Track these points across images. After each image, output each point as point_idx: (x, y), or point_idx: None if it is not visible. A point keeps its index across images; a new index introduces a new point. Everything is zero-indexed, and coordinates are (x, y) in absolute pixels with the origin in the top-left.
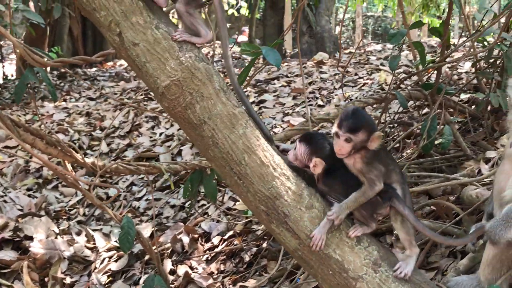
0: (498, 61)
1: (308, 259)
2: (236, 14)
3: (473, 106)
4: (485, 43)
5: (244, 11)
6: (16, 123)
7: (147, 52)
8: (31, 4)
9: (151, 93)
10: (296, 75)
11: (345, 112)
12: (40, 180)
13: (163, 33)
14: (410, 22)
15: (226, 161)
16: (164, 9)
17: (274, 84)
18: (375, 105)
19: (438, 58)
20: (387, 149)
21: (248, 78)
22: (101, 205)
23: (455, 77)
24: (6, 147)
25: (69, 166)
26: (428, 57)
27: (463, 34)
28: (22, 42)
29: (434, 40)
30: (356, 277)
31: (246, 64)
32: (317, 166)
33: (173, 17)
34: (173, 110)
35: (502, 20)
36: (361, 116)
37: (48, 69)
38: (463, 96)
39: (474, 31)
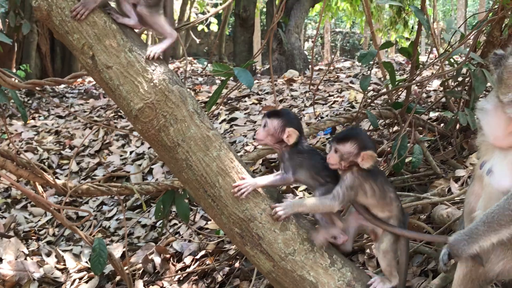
0: (466, 80)
1: (282, 281)
2: (206, 29)
3: (442, 125)
4: (452, 60)
5: (215, 27)
6: None
7: (120, 75)
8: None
9: (121, 111)
10: (267, 93)
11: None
12: (9, 200)
13: (136, 56)
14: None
15: (200, 184)
16: (137, 31)
17: (245, 101)
18: (345, 124)
19: (407, 78)
20: (387, 179)
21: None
22: (72, 227)
23: (424, 95)
24: None
25: (39, 187)
26: (399, 76)
27: (431, 52)
28: None
29: (402, 57)
30: None
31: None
32: (291, 136)
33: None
34: (147, 132)
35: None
36: (353, 131)
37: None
38: (432, 115)
39: (442, 50)
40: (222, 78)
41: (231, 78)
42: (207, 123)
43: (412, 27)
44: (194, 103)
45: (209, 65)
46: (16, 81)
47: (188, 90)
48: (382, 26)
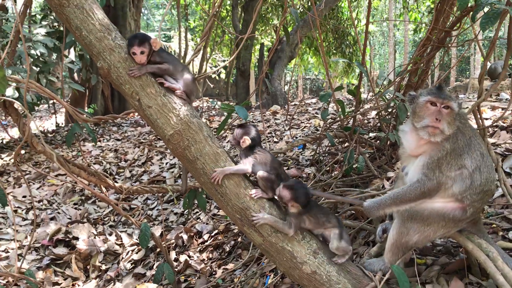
0: (393, 111)
1: (269, 250)
2: (217, 78)
3: (378, 141)
4: (385, 97)
5: (223, 76)
6: (67, 160)
7: (157, 112)
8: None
9: (159, 136)
10: (259, 121)
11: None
12: (83, 197)
13: (168, 99)
14: (335, 83)
15: (212, 185)
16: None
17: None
18: (312, 142)
19: (354, 110)
20: (320, 206)
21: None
22: (126, 215)
23: (366, 121)
24: (59, 174)
25: (103, 189)
26: (348, 109)
27: (370, 92)
28: (68, 101)
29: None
30: (302, 262)
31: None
32: (245, 141)
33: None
34: (176, 151)
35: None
36: (294, 186)
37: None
38: (371, 134)
39: (377, 90)
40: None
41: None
42: (217, 143)
43: (358, 76)
44: (208, 130)
45: (218, 103)
46: (86, 116)
47: (204, 121)
48: (338, 73)
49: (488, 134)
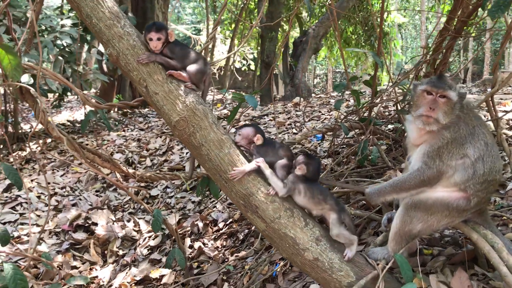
0: (411, 102)
1: (272, 236)
2: (247, 69)
3: (395, 133)
4: (404, 89)
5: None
6: (81, 146)
7: (164, 98)
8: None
9: None
10: (280, 113)
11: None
12: (105, 185)
13: (174, 85)
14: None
15: (217, 171)
16: None
17: (265, 118)
18: (328, 132)
19: (369, 101)
20: (323, 188)
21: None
22: (141, 201)
23: (385, 113)
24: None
25: (119, 176)
26: (363, 100)
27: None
28: (98, 92)
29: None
30: (304, 249)
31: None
32: (259, 139)
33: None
34: (182, 137)
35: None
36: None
37: (116, 109)
38: (390, 126)
39: (394, 81)
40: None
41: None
42: (221, 130)
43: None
44: (213, 117)
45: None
46: (99, 103)
47: (210, 107)
48: (368, 66)
49: (508, 126)
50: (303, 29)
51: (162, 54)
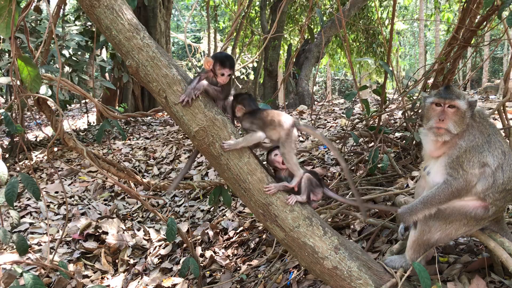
0: (419, 111)
1: (291, 245)
2: (245, 78)
3: (403, 141)
4: (412, 98)
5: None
6: (97, 156)
7: (183, 109)
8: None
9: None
10: None
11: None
12: (113, 194)
13: None
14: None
15: (236, 180)
16: None
17: None
18: (337, 141)
19: (378, 109)
20: None
21: None
22: (154, 210)
23: (392, 121)
24: (90, 171)
25: (132, 184)
26: (373, 108)
27: (396, 92)
28: (100, 100)
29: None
30: (323, 257)
31: None
32: (239, 110)
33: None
34: (201, 146)
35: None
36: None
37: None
38: (397, 134)
39: (403, 90)
40: None
41: None
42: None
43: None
44: (232, 127)
45: None
46: (117, 114)
47: (229, 118)
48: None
49: None
50: (309, 38)
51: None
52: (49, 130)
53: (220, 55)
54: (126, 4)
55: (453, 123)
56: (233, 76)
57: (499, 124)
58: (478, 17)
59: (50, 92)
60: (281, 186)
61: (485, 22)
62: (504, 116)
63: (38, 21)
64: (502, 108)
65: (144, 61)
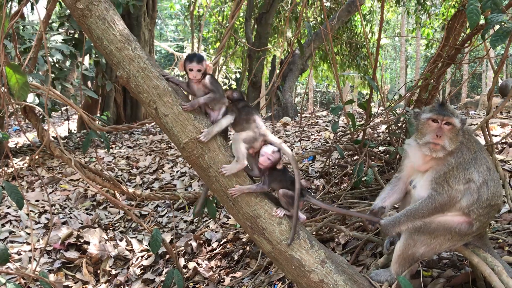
0: (403, 125)
1: (278, 258)
2: (227, 89)
3: (387, 155)
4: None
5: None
6: (83, 165)
7: (173, 120)
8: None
9: (171, 144)
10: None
11: None
12: (95, 203)
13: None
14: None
15: (224, 192)
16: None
17: None
18: (322, 154)
19: (364, 123)
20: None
21: None
22: (139, 221)
23: (375, 135)
24: (72, 179)
25: (117, 194)
26: (358, 122)
27: (380, 105)
28: (81, 107)
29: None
30: (310, 271)
31: None
32: (229, 94)
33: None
34: (190, 158)
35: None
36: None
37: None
38: (381, 148)
39: (388, 105)
40: None
41: None
42: (230, 152)
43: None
44: (221, 139)
45: None
46: (99, 123)
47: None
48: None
49: (497, 150)
50: (294, 50)
51: (202, 85)
52: (30, 137)
53: (188, 54)
54: (118, 15)
55: (449, 140)
56: (208, 75)
57: (481, 140)
58: (463, 35)
59: (37, 100)
60: (245, 189)
61: (469, 41)
62: (488, 133)
63: (22, 28)
64: (485, 125)
65: (135, 72)
